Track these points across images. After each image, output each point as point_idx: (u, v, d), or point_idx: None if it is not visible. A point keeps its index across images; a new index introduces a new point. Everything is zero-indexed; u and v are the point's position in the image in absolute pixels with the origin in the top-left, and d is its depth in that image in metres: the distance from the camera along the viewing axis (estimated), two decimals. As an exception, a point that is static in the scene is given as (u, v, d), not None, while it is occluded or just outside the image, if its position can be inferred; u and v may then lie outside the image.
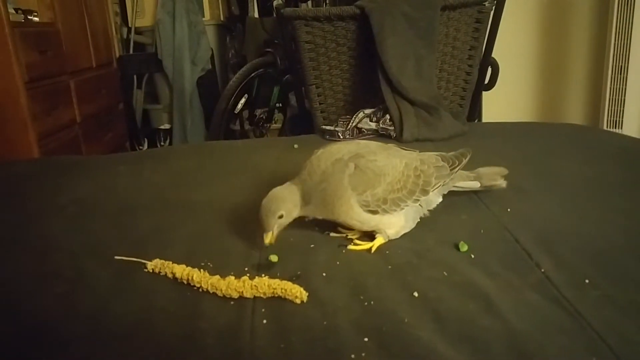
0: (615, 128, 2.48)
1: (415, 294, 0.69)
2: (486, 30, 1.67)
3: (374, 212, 0.81)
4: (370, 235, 0.85)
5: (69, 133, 2.27)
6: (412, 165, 0.84)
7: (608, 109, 2.49)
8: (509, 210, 0.95)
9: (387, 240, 0.84)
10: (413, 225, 0.87)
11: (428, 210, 0.90)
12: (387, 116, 1.50)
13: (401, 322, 0.63)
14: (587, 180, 1.10)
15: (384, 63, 1.48)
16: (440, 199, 0.91)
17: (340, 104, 1.70)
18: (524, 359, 0.57)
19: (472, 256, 0.79)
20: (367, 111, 1.54)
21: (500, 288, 0.70)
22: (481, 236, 0.86)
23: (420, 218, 0.89)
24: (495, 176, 0.98)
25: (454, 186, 0.94)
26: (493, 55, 1.81)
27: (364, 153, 0.82)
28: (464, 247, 0.81)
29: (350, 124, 1.52)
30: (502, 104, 2.50)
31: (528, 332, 0.61)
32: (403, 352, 0.58)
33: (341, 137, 1.50)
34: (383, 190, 0.80)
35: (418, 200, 0.84)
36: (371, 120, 1.52)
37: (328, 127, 1.56)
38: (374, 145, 0.86)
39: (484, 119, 2.03)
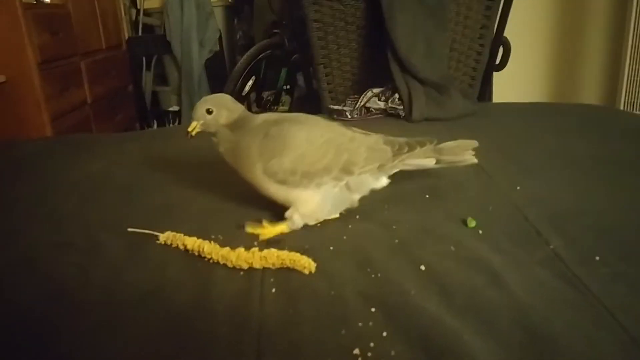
0: (633, 109, 2.42)
1: (422, 268, 0.70)
2: (498, 9, 1.65)
3: (282, 183, 0.78)
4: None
5: (80, 114, 2.30)
6: (334, 142, 0.79)
7: (626, 90, 2.41)
8: (518, 188, 0.95)
9: (292, 228, 0.80)
10: (335, 213, 0.83)
11: (363, 195, 0.84)
12: (396, 95, 1.49)
13: (407, 294, 0.64)
14: (599, 159, 1.09)
15: (393, 42, 1.47)
16: (384, 181, 0.85)
17: (348, 83, 1.69)
18: (529, 332, 0.57)
19: (480, 232, 0.79)
20: (376, 90, 1.54)
21: (508, 263, 0.71)
22: (489, 213, 0.86)
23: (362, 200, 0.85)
24: (458, 151, 0.87)
25: (405, 164, 0.86)
26: (505, 34, 1.79)
27: (284, 121, 0.79)
28: (472, 223, 0.81)
29: (359, 103, 1.52)
30: (514, 85, 2.46)
31: (535, 306, 0.61)
32: (409, 322, 0.59)
33: (349, 116, 1.50)
34: (291, 161, 0.76)
35: (339, 180, 0.79)
36: (380, 100, 1.51)
37: (336, 107, 1.56)
38: (304, 117, 0.82)
39: (494, 100, 2.01)
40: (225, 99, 0.82)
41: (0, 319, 0.62)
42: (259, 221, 0.81)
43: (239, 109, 0.81)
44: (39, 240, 0.82)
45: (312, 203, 0.79)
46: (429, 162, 0.87)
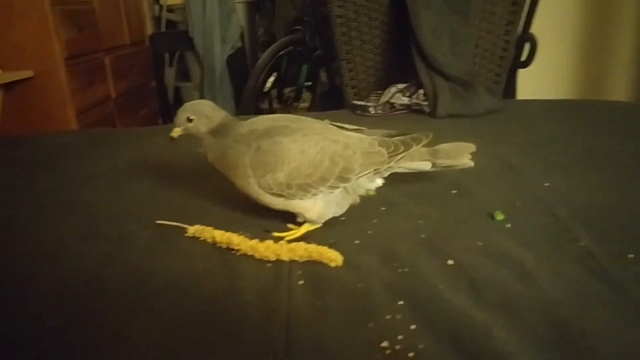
0: (667, 108, 2.37)
1: (449, 262, 0.69)
2: (525, 4, 1.63)
3: (279, 196, 0.77)
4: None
5: (104, 109, 2.33)
6: (328, 151, 0.76)
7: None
8: (546, 184, 0.94)
9: (316, 225, 0.80)
10: (341, 211, 0.81)
11: (359, 195, 0.83)
12: (420, 91, 1.49)
13: (435, 288, 0.64)
14: (630, 157, 1.08)
15: (417, 37, 1.47)
16: (379, 182, 0.84)
17: (371, 79, 1.69)
18: (560, 328, 0.56)
19: (508, 226, 0.79)
20: (400, 86, 1.53)
21: (537, 259, 0.70)
22: (517, 209, 0.85)
23: (371, 192, 0.84)
24: (454, 154, 0.86)
25: (400, 167, 0.85)
26: (531, 30, 1.76)
27: (275, 133, 0.76)
28: (499, 216, 0.80)
29: (382, 99, 1.51)
30: (539, 82, 2.41)
31: (565, 302, 0.61)
32: (438, 315, 0.59)
33: (372, 112, 1.50)
34: (286, 175, 0.75)
35: (335, 187, 0.78)
36: (404, 95, 1.51)
37: (359, 102, 1.56)
38: (300, 122, 0.80)
39: (519, 97, 1.98)
40: (204, 106, 0.80)
41: (32, 307, 0.63)
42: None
43: (219, 115, 0.80)
44: (68, 231, 0.83)
45: (316, 209, 0.79)
46: (425, 166, 0.86)
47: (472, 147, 0.87)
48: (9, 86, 1.95)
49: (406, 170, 0.86)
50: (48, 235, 0.82)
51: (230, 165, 0.77)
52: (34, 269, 0.72)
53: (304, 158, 0.75)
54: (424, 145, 0.84)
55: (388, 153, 0.79)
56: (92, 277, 0.69)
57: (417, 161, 0.85)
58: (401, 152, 0.80)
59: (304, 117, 0.82)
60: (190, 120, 0.79)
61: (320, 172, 0.76)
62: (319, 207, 0.78)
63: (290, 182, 0.75)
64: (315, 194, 0.77)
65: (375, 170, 0.79)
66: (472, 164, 0.87)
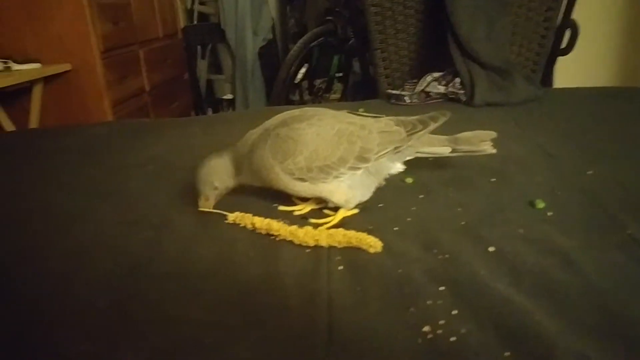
0: None
1: (490, 249, 0.69)
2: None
3: (302, 180, 0.77)
4: (335, 209, 0.82)
5: (138, 101, 2.37)
6: (345, 132, 0.77)
7: None
8: (589, 172, 0.92)
9: (349, 208, 0.80)
10: (369, 194, 0.81)
11: (384, 179, 0.83)
12: (457, 80, 1.47)
13: (476, 274, 0.63)
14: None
15: (453, 25, 1.45)
16: (399, 167, 0.84)
17: (405, 68, 1.68)
18: (606, 316, 0.55)
19: (549, 214, 0.78)
20: (436, 74, 1.52)
21: (580, 246, 0.69)
22: (558, 196, 0.84)
23: (381, 186, 0.84)
24: (475, 141, 0.87)
25: (418, 152, 0.85)
26: (573, 16, 1.70)
27: (290, 121, 0.78)
28: (540, 204, 0.79)
29: (418, 87, 1.50)
30: (578, 69, 2.35)
31: (611, 290, 0.60)
32: (479, 301, 0.58)
33: (408, 101, 1.49)
34: (306, 159, 0.75)
35: (356, 168, 0.78)
36: (440, 84, 1.49)
37: (394, 92, 1.55)
38: (312, 111, 0.81)
39: (556, 85, 1.93)
40: (213, 166, 0.80)
41: (76, 291, 0.65)
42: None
43: (227, 159, 0.80)
44: (110, 218, 0.85)
45: (340, 191, 0.79)
46: (445, 150, 0.87)
47: (492, 134, 0.87)
48: (48, 79, 2.01)
49: (426, 155, 0.87)
50: (92, 223, 0.84)
51: (261, 165, 0.78)
52: (80, 254, 0.74)
53: (321, 140, 0.76)
54: (444, 133, 0.84)
55: (406, 132, 0.80)
56: (137, 262, 0.71)
57: (437, 146, 0.86)
58: (419, 130, 0.81)
59: (317, 108, 0.83)
60: (216, 188, 0.80)
61: (339, 153, 0.76)
62: (343, 189, 0.78)
63: (310, 165, 0.76)
64: (337, 177, 0.77)
65: (395, 149, 0.80)
66: (493, 150, 0.87)
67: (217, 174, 0.80)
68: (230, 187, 0.82)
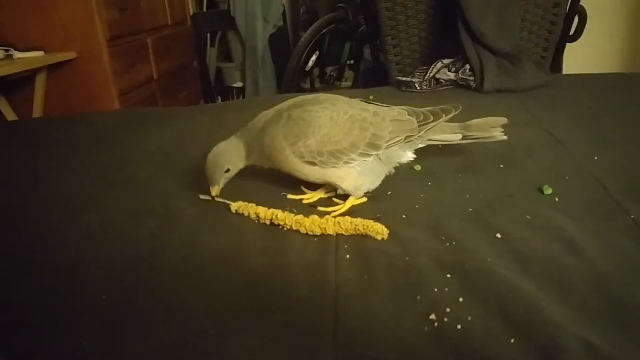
0: None
1: (498, 236, 0.69)
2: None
3: (312, 164, 0.77)
4: (344, 197, 0.82)
5: (146, 89, 2.35)
6: (358, 118, 0.77)
7: None
8: (595, 158, 0.92)
9: (358, 196, 0.80)
10: (378, 182, 0.81)
11: (394, 167, 0.83)
12: (467, 66, 1.46)
13: (484, 261, 0.63)
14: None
15: (464, 11, 1.44)
16: (410, 155, 0.84)
17: (416, 55, 1.67)
18: (611, 301, 0.56)
19: (557, 199, 0.78)
20: (446, 61, 1.51)
21: (586, 232, 0.69)
22: (566, 182, 0.84)
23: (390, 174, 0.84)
24: (486, 127, 0.86)
25: (430, 140, 0.85)
26: (581, 3, 1.70)
27: (304, 104, 0.79)
28: (548, 190, 0.79)
29: (428, 74, 1.49)
30: (586, 56, 2.33)
31: (615, 275, 0.60)
32: (486, 288, 0.58)
33: (418, 87, 1.48)
34: (317, 142, 0.75)
35: (367, 154, 0.78)
36: (450, 71, 1.49)
37: (404, 78, 1.54)
38: (325, 97, 0.81)
39: (565, 72, 1.92)
40: (225, 149, 0.80)
41: (82, 281, 0.66)
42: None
43: (238, 142, 0.81)
44: (117, 207, 0.86)
45: (350, 177, 0.79)
46: (456, 137, 0.86)
47: (503, 120, 0.87)
48: (52, 68, 1.98)
49: (437, 143, 0.86)
50: (98, 211, 0.85)
51: (272, 146, 0.78)
52: (87, 244, 0.75)
53: (334, 124, 0.76)
54: (455, 120, 0.84)
55: (418, 122, 0.80)
56: (144, 251, 0.71)
57: (448, 134, 0.86)
58: (431, 122, 0.81)
59: (332, 95, 0.83)
60: (228, 171, 0.80)
61: (351, 138, 0.76)
62: (353, 175, 0.78)
63: (321, 149, 0.76)
64: (347, 162, 0.77)
65: (406, 138, 0.80)
66: (504, 137, 0.87)
67: (230, 157, 0.80)
68: (240, 169, 0.82)
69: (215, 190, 0.81)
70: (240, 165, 0.82)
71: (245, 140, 0.80)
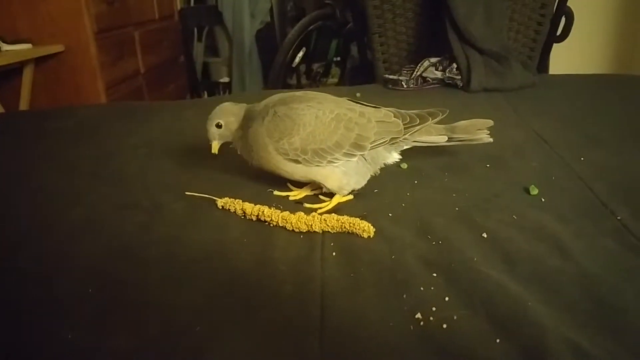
0: None
1: (484, 235, 0.69)
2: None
3: (296, 162, 0.77)
4: (330, 195, 0.82)
5: (133, 83, 2.34)
6: (344, 117, 0.77)
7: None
8: (582, 159, 0.92)
9: (344, 195, 0.80)
10: (363, 182, 0.81)
11: (379, 168, 0.83)
12: (454, 65, 1.46)
13: (470, 260, 0.63)
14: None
15: (451, 10, 1.44)
16: (395, 156, 0.84)
17: (403, 53, 1.67)
18: (597, 302, 0.56)
19: (543, 200, 0.78)
20: (433, 60, 1.51)
21: (572, 233, 0.69)
22: (552, 183, 0.84)
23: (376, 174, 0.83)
24: (472, 129, 0.86)
25: (415, 141, 0.85)
26: (568, 3, 1.70)
27: (290, 101, 0.78)
28: (534, 191, 0.79)
29: (415, 72, 1.49)
30: (572, 56, 2.35)
31: (603, 276, 0.60)
32: (472, 287, 0.58)
33: (405, 86, 1.48)
34: (301, 140, 0.75)
35: (351, 155, 0.77)
36: (437, 69, 1.49)
37: (391, 77, 1.54)
38: (312, 94, 0.81)
39: (551, 72, 1.93)
40: (226, 106, 0.82)
41: (68, 275, 0.65)
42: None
43: (242, 107, 0.82)
44: (103, 201, 0.85)
45: (334, 177, 0.78)
46: (441, 139, 0.86)
47: (489, 123, 0.87)
48: (39, 60, 1.97)
49: (423, 144, 0.86)
50: (84, 206, 0.83)
51: (256, 142, 0.78)
52: (72, 238, 0.74)
53: (319, 123, 0.76)
54: (442, 122, 0.84)
55: (404, 125, 0.80)
56: (130, 246, 0.70)
57: (434, 135, 0.86)
58: (417, 125, 0.81)
59: (322, 93, 0.83)
60: (219, 126, 0.81)
61: (335, 138, 0.76)
62: (337, 175, 0.78)
63: (305, 147, 0.76)
64: (331, 162, 0.77)
65: (391, 140, 0.79)
66: (490, 139, 0.86)
67: (224, 113, 0.81)
68: (233, 133, 0.82)
69: (213, 147, 0.82)
70: (234, 125, 0.81)
71: (248, 109, 0.81)
